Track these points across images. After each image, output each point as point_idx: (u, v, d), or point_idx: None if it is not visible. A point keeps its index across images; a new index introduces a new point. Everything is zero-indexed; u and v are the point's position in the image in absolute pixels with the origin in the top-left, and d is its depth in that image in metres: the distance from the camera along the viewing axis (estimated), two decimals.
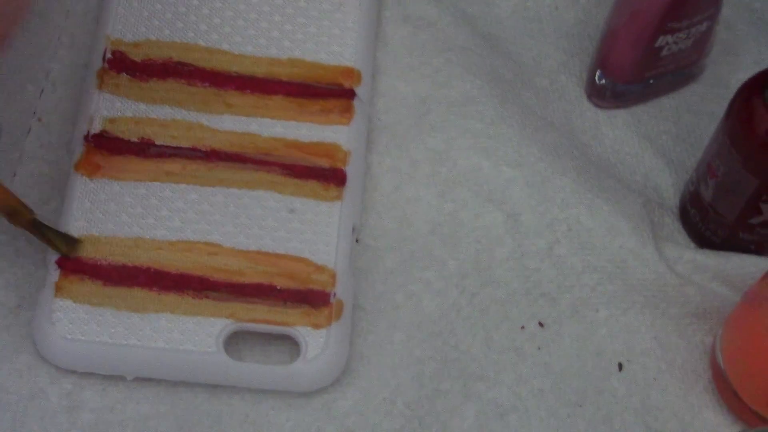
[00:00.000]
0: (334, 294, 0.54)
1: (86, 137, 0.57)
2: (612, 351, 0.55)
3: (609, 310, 0.56)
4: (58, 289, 0.54)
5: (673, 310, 0.56)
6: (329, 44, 0.61)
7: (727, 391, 0.54)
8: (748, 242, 0.57)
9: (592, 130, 0.61)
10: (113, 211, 0.56)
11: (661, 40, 0.58)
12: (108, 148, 0.57)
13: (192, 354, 0.53)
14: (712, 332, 0.56)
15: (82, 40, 0.61)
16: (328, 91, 0.60)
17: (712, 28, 0.59)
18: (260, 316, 0.54)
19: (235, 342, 0.54)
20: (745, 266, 0.56)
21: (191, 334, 0.53)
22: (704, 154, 0.56)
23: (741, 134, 0.52)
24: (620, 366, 0.55)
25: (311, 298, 0.54)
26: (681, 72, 0.61)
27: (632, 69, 0.60)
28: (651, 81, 0.61)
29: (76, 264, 0.54)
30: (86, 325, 0.53)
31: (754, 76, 0.53)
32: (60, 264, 0.54)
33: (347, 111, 0.59)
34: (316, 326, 0.54)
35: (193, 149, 0.58)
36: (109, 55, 0.59)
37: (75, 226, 0.55)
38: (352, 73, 0.60)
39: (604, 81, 0.61)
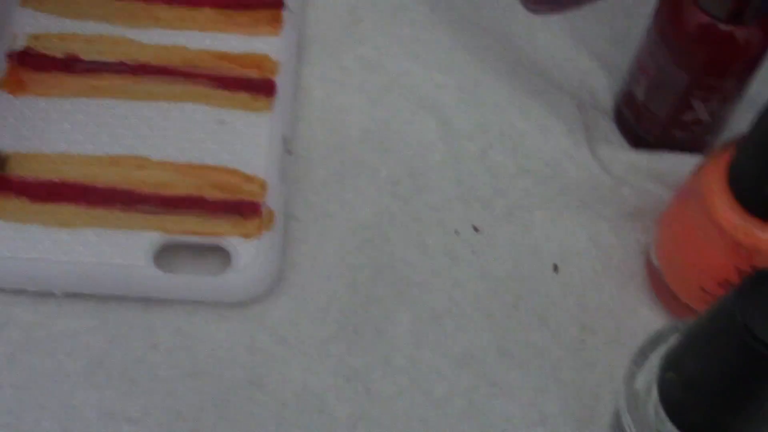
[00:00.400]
0: (265, 204, 0.54)
1: (10, 55, 0.56)
2: (547, 253, 0.55)
3: (544, 212, 0.56)
4: None
5: (608, 211, 0.56)
6: None
7: (661, 287, 0.53)
8: (681, 140, 0.56)
9: (527, 35, 0.61)
10: (39, 128, 0.55)
11: None
12: (33, 65, 0.56)
13: (122, 268, 0.52)
14: (647, 231, 0.56)
15: None
16: (257, 2, 0.59)
17: None
18: (190, 228, 0.53)
19: (166, 255, 0.53)
20: (679, 164, 0.56)
21: (121, 248, 0.53)
22: (636, 53, 0.56)
23: (670, 30, 0.52)
24: (555, 267, 0.55)
25: (242, 208, 0.54)
26: None
27: None
28: None
29: (2, 182, 0.54)
30: (14, 242, 0.52)
31: None
32: None
33: (276, 21, 0.58)
34: (247, 236, 0.53)
35: (120, 64, 0.57)
36: None
37: (1, 143, 0.54)
38: None
39: None
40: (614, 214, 0.56)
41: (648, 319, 0.54)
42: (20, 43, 0.57)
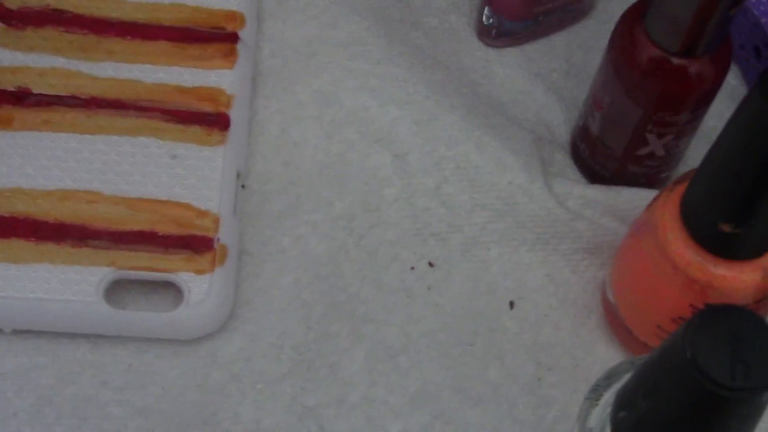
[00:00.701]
0: (218, 239, 0.53)
1: None
2: (503, 289, 0.55)
3: (500, 248, 0.55)
4: None
5: (564, 246, 0.55)
6: None
7: (617, 324, 0.53)
8: (637, 175, 0.56)
9: (483, 69, 0.61)
10: None
11: None
12: None
13: (72, 304, 0.51)
14: (604, 267, 0.55)
15: None
16: (211, 36, 0.58)
17: None
18: (142, 264, 0.52)
19: (117, 291, 0.53)
20: (635, 199, 0.56)
21: (71, 284, 0.52)
22: (591, 87, 0.56)
23: (623, 63, 0.52)
24: (512, 304, 0.54)
25: (194, 243, 0.53)
26: (570, 8, 0.61)
27: (520, 5, 0.59)
28: (540, 18, 0.60)
29: None
30: None
31: (633, 4, 0.52)
32: None
33: (231, 55, 0.58)
34: (200, 272, 0.52)
35: (73, 97, 0.56)
36: None
37: None
38: (235, 17, 0.59)
39: (492, 19, 0.60)
40: (571, 250, 0.55)
41: (605, 356, 0.53)
42: None
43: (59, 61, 0.57)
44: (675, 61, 0.50)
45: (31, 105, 0.56)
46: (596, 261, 0.55)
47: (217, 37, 0.58)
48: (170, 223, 0.53)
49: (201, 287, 0.52)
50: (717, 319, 0.35)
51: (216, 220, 0.54)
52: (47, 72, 0.57)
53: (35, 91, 0.56)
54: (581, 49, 0.61)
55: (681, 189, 0.48)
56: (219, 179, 0.55)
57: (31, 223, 0.53)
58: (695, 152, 0.58)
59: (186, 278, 0.52)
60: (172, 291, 0.53)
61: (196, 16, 0.59)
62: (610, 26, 0.59)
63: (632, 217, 0.55)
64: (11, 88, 0.56)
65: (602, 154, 0.56)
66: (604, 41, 0.59)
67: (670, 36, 0.50)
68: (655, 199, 0.50)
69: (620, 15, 0.53)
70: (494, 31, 0.60)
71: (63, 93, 0.56)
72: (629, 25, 0.52)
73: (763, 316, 0.48)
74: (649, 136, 0.54)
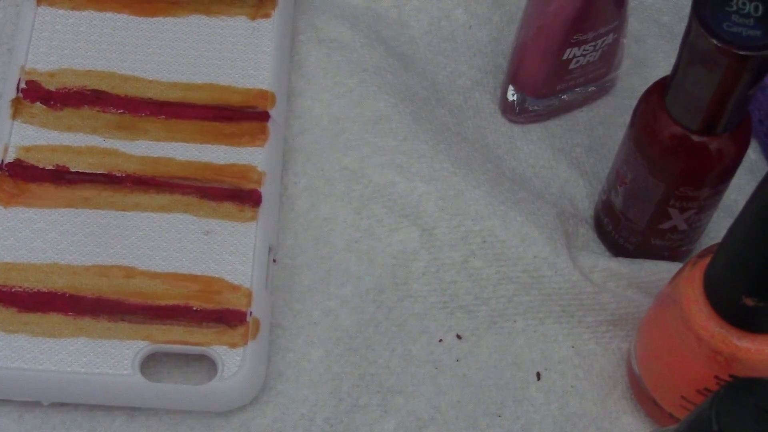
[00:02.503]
0: (251, 313, 0.54)
1: (1, 166, 0.57)
2: (530, 360, 0.56)
3: (526, 321, 0.56)
4: None
5: (589, 318, 0.57)
6: (244, 68, 0.61)
7: (643, 395, 0.54)
8: (660, 248, 0.57)
9: (507, 145, 0.62)
10: (28, 238, 0.56)
11: (568, 53, 0.59)
12: (23, 176, 0.57)
13: (108, 377, 0.53)
14: (628, 339, 0.56)
15: None
16: (243, 114, 0.60)
17: (619, 40, 0.60)
18: (176, 337, 0.54)
19: (152, 364, 0.54)
20: (658, 272, 0.57)
21: (107, 357, 0.53)
22: (613, 163, 0.57)
23: (645, 140, 0.53)
24: (538, 375, 0.55)
25: (227, 317, 0.54)
26: (592, 85, 0.62)
27: (543, 83, 0.61)
28: (563, 95, 0.62)
29: None
30: (1, 352, 0.53)
31: (655, 83, 0.54)
32: None
33: (262, 133, 0.59)
34: (233, 345, 0.54)
35: (109, 175, 0.58)
36: (23, 85, 0.60)
37: None
38: (266, 96, 0.60)
39: (516, 96, 0.62)
40: (596, 322, 0.56)
41: (631, 426, 0.54)
42: (11, 155, 0.58)
43: (96, 140, 0.59)
44: (696, 138, 0.51)
45: (69, 183, 0.57)
46: (621, 333, 0.56)
47: (248, 116, 0.60)
48: (204, 297, 0.55)
49: (234, 360, 0.53)
50: (743, 391, 0.36)
51: (249, 295, 0.55)
52: (85, 150, 0.58)
53: (73, 169, 0.58)
54: (603, 125, 0.63)
55: (704, 263, 0.49)
56: (251, 254, 0.56)
57: (68, 298, 0.54)
58: (717, 225, 0.59)
59: (220, 351, 0.53)
60: (206, 364, 0.54)
61: (227, 95, 0.60)
62: (631, 102, 0.61)
63: (656, 290, 0.56)
64: (50, 167, 0.58)
65: (625, 228, 0.57)
66: (625, 117, 0.61)
67: (691, 114, 0.51)
68: (678, 273, 0.51)
69: (641, 93, 0.55)
70: (518, 108, 0.62)
71: (100, 171, 0.58)
72: (650, 103, 0.53)
73: None
74: (671, 210, 0.55)
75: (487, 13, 0.65)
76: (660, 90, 0.53)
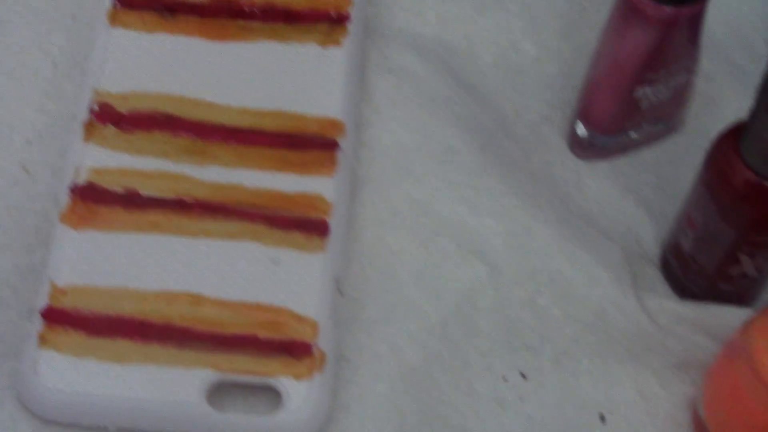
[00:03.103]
0: (317, 345, 0.55)
1: (72, 189, 0.58)
2: (594, 402, 0.56)
3: (591, 361, 0.56)
4: (42, 340, 0.54)
5: (654, 362, 0.56)
6: (314, 96, 0.62)
7: None
8: (728, 293, 0.57)
9: (574, 181, 0.62)
10: (98, 262, 0.56)
11: (639, 92, 0.59)
12: (94, 199, 0.58)
13: (174, 405, 0.53)
14: (694, 384, 0.56)
15: (69, 92, 0.62)
16: (312, 143, 0.60)
17: (691, 79, 0.60)
18: (242, 367, 0.54)
19: (217, 393, 0.54)
20: (726, 317, 0.56)
21: (174, 385, 0.53)
22: (683, 205, 0.57)
23: (718, 186, 0.53)
24: (602, 417, 0.55)
25: (293, 349, 0.54)
26: (662, 124, 0.62)
27: (612, 120, 0.61)
28: (632, 132, 0.62)
29: (60, 314, 0.55)
30: (70, 376, 0.53)
31: (729, 128, 0.53)
32: (44, 315, 0.54)
33: (331, 162, 0.59)
34: (298, 377, 0.54)
35: (178, 200, 0.58)
36: (95, 108, 0.60)
37: (60, 277, 0.55)
38: (336, 125, 0.61)
39: (585, 133, 0.62)
40: (661, 365, 0.56)
41: None
42: (83, 177, 0.58)
43: (166, 164, 0.59)
44: None
45: (139, 207, 0.58)
46: (687, 378, 0.56)
47: (317, 145, 0.60)
48: (270, 327, 0.55)
49: (300, 392, 0.53)
50: None
51: (315, 326, 0.55)
52: (155, 175, 0.59)
53: (142, 193, 0.58)
54: (671, 164, 0.63)
55: None
56: (318, 285, 0.56)
57: (136, 324, 0.55)
58: None
59: (285, 383, 0.54)
60: (271, 394, 0.54)
61: (297, 123, 0.61)
62: (700, 142, 0.61)
63: (724, 335, 0.56)
64: (120, 190, 0.58)
65: (694, 271, 0.57)
66: (693, 156, 0.61)
67: (765, 160, 0.51)
68: (750, 322, 0.50)
69: (710, 132, 0.54)
70: (586, 144, 0.62)
71: (169, 196, 0.58)
72: (724, 148, 0.53)
73: None
74: (741, 256, 0.54)
75: (556, 46, 0.65)
76: (735, 134, 0.53)
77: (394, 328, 0.56)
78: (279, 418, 0.53)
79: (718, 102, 0.64)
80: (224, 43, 0.63)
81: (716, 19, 0.64)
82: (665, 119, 0.62)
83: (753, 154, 0.51)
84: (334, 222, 0.58)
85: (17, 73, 0.62)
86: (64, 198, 0.58)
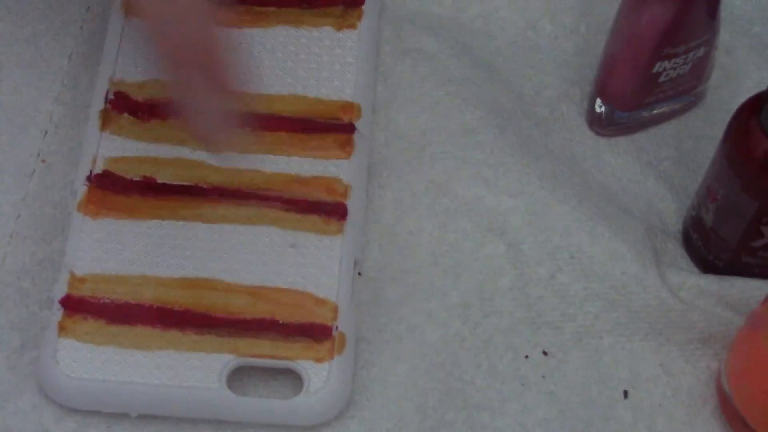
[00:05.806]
0: (336, 327, 0.54)
1: (89, 177, 0.58)
2: (617, 378, 0.55)
3: (613, 338, 0.56)
4: (62, 329, 0.54)
5: (677, 336, 0.56)
6: (330, 79, 0.61)
7: (733, 416, 0.53)
8: (751, 266, 0.56)
9: (594, 158, 0.61)
10: (116, 250, 0.56)
11: (658, 66, 0.58)
12: (111, 187, 0.58)
13: (195, 390, 0.53)
14: (718, 357, 0.55)
15: (85, 81, 0.62)
16: (329, 126, 0.60)
17: (710, 53, 0.59)
18: (263, 351, 0.54)
19: (238, 377, 0.54)
20: (749, 290, 0.56)
21: (194, 371, 0.53)
22: (704, 179, 0.56)
23: (739, 157, 0.52)
24: (626, 393, 0.55)
25: (313, 331, 0.54)
26: (681, 98, 0.61)
27: (631, 96, 0.60)
28: (651, 107, 0.61)
29: (79, 303, 0.55)
30: (90, 364, 0.53)
31: (750, 99, 0.53)
32: (63, 303, 0.54)
33: (348, 145, 0.59)
34: (319, 360, 0.54)
35: (195, 186, 0.58)
36: (111, 96, 0.60)
37: (78, 265, 0.56)
38: (352, 108, 0.60)
39: (604, 109, 0.61)
40: (684, 340, 0.56)
41: None
42: (99, 166, 0.58)
43: (183, 152, 0.59)
44: None
45: (157, 194, 0.58)
46: (710, 351, 0.56)
47: (334, 128, 0.60)
48: (290, 311, 0.55)
49: (320, 375, 0.53)
50: None
51: (334, 309, 0.55)
52: (172, 162, 0.59)
53: (160, 180, 0.58)
54: (691, 138, 0.62)
55: None
56: (337, 268, 0.56)
57: (156, 311, 0.55)
58: None
59: (306, 366, 0.53)
60: (291, 378, 0.54)
61: (314, 107, 0.60)
62: (721, 115, 0.60)
63: (746, 308, 0.55)
64: (138, 178, 0.58)
65: (716, 245, 0.56)
66: (714, 130, 0.60)
67: None
68: None
69: (731, 105, 0.54)
70: (605, 120, 0.61)
71: (186, 182, 0.58)
72: (745, 118, 0.52)
73: None
74: (764, 228, 0.54)
75: (573, 23, 0.65)
76: (754, 106, 0.52)
77: (414, 308, 0.56)
78: (300, 401, 0.53)
79: (738, 75, 0.64)
80: (239, 30, 0.63)
81: None
82: (685, 93, 0.61)
83: None
84: (352, 204, 0.58)
85: (33, 65, 0.62)
86: (81, 187, 0.58)
